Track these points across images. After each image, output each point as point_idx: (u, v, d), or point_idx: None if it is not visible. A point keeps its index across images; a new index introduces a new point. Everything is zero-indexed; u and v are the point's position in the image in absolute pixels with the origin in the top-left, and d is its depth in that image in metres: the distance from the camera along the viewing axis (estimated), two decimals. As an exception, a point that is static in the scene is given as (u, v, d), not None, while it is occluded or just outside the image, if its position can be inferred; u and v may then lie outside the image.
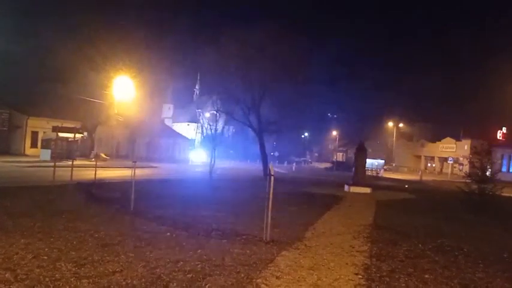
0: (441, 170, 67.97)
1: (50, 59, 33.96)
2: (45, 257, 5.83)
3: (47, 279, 5.00)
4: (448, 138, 67.72)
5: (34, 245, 6.43)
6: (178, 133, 71.17)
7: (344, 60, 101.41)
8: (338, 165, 57.86)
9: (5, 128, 38.61)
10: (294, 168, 50.48)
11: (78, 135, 33.14)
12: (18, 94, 38.22)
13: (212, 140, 21.43)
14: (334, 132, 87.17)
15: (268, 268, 6.08)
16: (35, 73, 37.20)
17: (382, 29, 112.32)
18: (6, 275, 4.99)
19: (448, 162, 58.64)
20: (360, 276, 6.04)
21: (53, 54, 33.55)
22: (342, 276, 5.97)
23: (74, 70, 34.08)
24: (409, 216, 13.03)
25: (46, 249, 6.23)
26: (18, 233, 7.13)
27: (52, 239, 6.90)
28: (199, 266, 5.97)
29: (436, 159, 70.87)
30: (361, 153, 22.93)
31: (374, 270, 6.42)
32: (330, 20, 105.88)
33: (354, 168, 22.89)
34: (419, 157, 72.69)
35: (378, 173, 48.71)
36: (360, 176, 22.26)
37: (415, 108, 73.61)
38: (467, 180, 15.23)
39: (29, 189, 13.87)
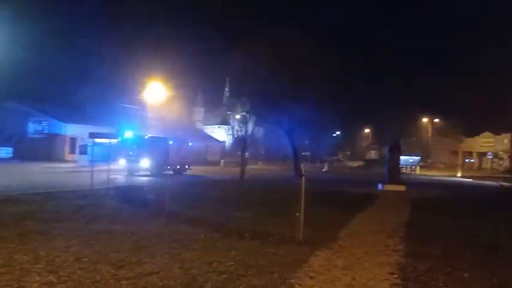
0: (480, 165, 65.81)
1: (85, 67, 35.12)
2: (86, 259, 6.02)
3: (88, 280, 5.17)
4: (486, 133, 65.56)
5: (75, 248, 6.65)
6: (210, 136, 71.81)
7: (378, 55, 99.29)
8: (371, 163, 56.89)
9: (45, 136, 40.09)
10: (326, 167, 49.98)
11: (113, 140, 33.99)
12: (57, 102, 39.68)
13: (242, 142, 21.64)
14: (367, 130, 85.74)
15: (302, 268, 6.08)
16: (70, 80, 38.52)
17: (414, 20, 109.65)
18: (50, 277, 5.20)
19: (487, 157, 56.72)
20: (396, 276, 5.95)
21: (87, 62, 34.66)
22: (377, 276, 5.90)
23: (109, 76, 35.10)
24: (446, 214, 12.72)
25: (86, 252, 6.43)
26: (60, 236, 7.40)
27: (92, 242, 7.13)
28: (233, 266, 6.03)
29: (475, 154, 68.66)
30: (395, 151, 22.55)
31: (410, 269, 6.32)
32: (362, 19, 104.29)
33: (387, 166, 22.52)
34: (456, 153, 70.56)
35: (412, 170, 47.65)
36: (394, 174, 21.89)
37: (451, 103, 71.43)
38: (507, 176, 14.70)
39: (70, 194, 14.37)
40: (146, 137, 27.39)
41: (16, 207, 10.54)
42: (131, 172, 24.40)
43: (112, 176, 19.59)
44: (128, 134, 27.86)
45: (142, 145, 25.84)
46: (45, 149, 38.71)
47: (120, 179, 21.00)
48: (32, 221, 8.81)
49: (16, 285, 4.90)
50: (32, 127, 41.08)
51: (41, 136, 40.12)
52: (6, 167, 26.57)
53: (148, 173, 25.09)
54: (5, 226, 8.15)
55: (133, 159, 25.25)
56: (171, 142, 27.96)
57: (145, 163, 25.03)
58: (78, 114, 39.55)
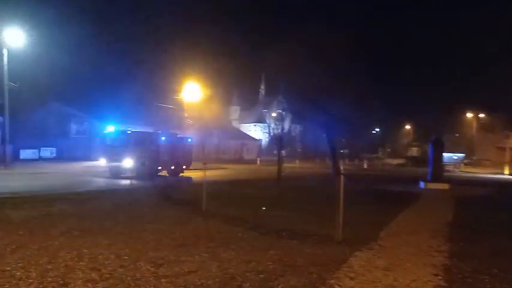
0: (530, 162, 62.71)
1: (124, 68, 36.13)
2: (126, 257, 6.15)
3: (129, 278, 5.26)
4: (536, 128, 62.43)
5: (116, 246, 6.80)
6: (246, 134, 72.27)
7: (419, 49, 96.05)
8: (413, 160, 55.47)
9: (85, 136, 41.46)
10: (365, 165, 49.10)
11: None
12: (97, 103, 40.94)
13: (279, 140, 21.50)
14: (408, 126, 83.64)
15: (342, 269, 5.96)
16: (110, 81, 39.73)
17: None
18: (92, 275, 5.33)
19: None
20: (440, 277, 5.73)
21: (126, 64, 35.66)
22: (420, 277, 5.70)
23: (147, 77, 35.98)
24: (492, 213, 12.22)
25: (127, 250, 6.57)
26: (101, 235, 7.60)
27: (132, 240, 7.27)
28: (271, 266, 5.99)
29: (524, 151, 65.48)
30: (438, 148, 21.91)
31: (455, 270, 6.08)
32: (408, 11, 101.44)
33: (430, 164, 21.91)
34: (503, 149, 67.41)
35: (456, 168, 46.09)
36: (437, 172, 21.27)
37: (497, 96, 68.14)
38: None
39: (110, 193, 14.80)
40: (129, 131, 22.90)
41: (61, 206, 10.94)
42: (114, 174, 21.73)
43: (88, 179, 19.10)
44: (110, 129, 24.19)
45: (125, 142, 21.90)
46: (86, 149, 39.98)
47: (99, 182, 19.48)
48: (75, 219, 9.11)
49: (61, 281, 5.05)
50: (74, 128, 42.59)
51: (82, 136, 41.48)
52: (50, 167, 27.64)
53: (134, 174, 21.82)
54: (50, 224, 8.46)
55: (114, 158, 21.66)
56: (163, 138, 24.10)
57: (128, 163, 21.39)
58: (117, 115, 40.61)
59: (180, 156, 24.31)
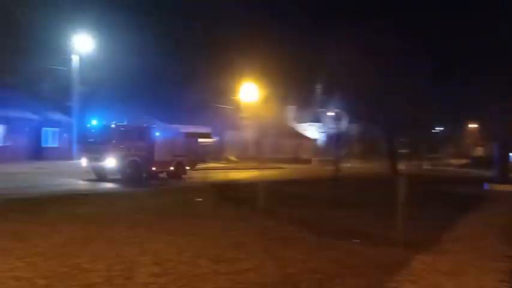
0: None
1: (183, 69, 37.28)
2: (187, 254, 6.36)
3: (190, 273, 5.44)
4: None
5: (177, 243, 7.04)
6: (302, 134, 71.87)
7: (486, 44, 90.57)
8: (477, 161, 52.67)
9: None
10: (427, 165, 47.21)
11: (210, 140, 35.56)
12: (158, 103, 42.57)
13: (336, 140, 21.19)
14: (474, 125, 79.48)
15: (402, 272, 5.82)
16: (170, 83, 41.18)
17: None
18: (156, 269, 5.58)
19: None
20: (507, 284, 5.45)
21: (185, 65, 36.75)
22: (486, 283, 5.46)
23: (205, 79, 36.94)
24: None
25: (187, 246, 6.79)
26: (163, 232, 7.89)
27: (191, 237, 7.49)
28: (328, 266, 5.96)
29: None
30: (505, 148, 20.77)
31: (524, 277, 5.75)
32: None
33: (496, 165, 20.80)
34: None
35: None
36: (504, 173, 20.17)
37: None
38: None
39: (171, 191, 15.33)
40: (113, 125, 19.25)
41: (131, 201, 11.53)
42: (99, 175, 18.87)
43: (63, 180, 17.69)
44: (94, 123, 20.41)
45: (109, 137, 18.63)
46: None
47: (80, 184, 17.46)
48: (139, 215, 9.55)
49: (127, 275, 5.32)
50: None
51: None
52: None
53: (120, 176, 18.61)
54: (117, 220, 8.94)
55: (96, 157, 18.52)
56: (158, 133, 20.61)
57: (110, 162, 18.07)
58: (175, 114, 41.89)
59: (182, 155, 20.95)
